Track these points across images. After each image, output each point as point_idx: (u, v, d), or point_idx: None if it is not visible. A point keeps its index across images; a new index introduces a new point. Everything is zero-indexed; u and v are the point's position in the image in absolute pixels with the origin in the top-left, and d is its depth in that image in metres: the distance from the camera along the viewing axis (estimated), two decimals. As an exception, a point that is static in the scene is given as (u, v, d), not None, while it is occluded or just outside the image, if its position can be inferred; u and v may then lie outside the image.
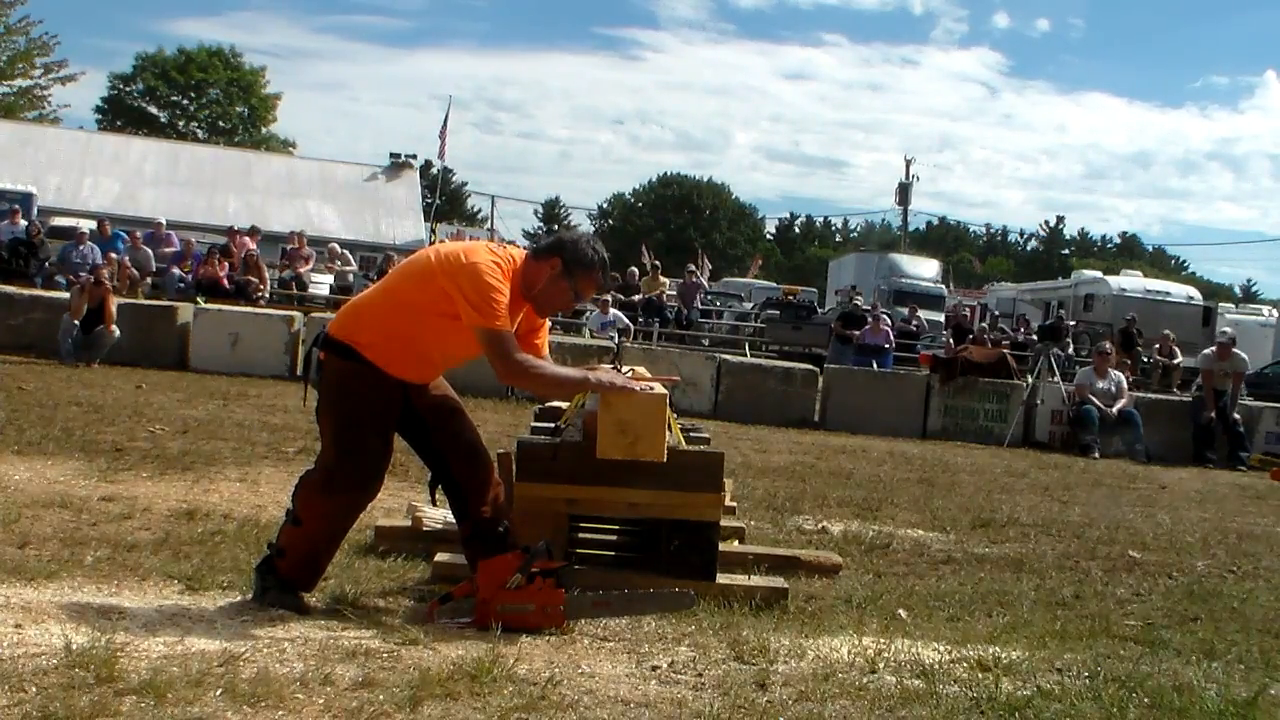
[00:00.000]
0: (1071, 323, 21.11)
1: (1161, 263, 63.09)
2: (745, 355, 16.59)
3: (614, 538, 4.46)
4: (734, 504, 5.46)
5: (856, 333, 17.12)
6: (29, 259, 15.93)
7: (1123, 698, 3.11)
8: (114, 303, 12.25)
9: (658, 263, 23.46)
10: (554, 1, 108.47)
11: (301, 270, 18.03)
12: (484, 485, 3.61)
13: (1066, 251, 67.36)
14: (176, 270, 16.71)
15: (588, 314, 15.99)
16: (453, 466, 3.60)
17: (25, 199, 22.39)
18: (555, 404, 4.90)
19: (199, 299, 14.92)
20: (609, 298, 17.56)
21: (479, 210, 57.05)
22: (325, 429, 3.53)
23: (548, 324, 3.83)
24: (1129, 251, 66.51)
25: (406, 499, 5.21)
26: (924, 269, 31.07)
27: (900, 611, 4.06)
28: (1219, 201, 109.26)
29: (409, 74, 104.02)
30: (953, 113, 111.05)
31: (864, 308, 18.87)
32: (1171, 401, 14.00)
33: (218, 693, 2.64)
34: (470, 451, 3.61)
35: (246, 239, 18.26)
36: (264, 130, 51.02)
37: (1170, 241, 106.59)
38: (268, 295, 16.50)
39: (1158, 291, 25.73)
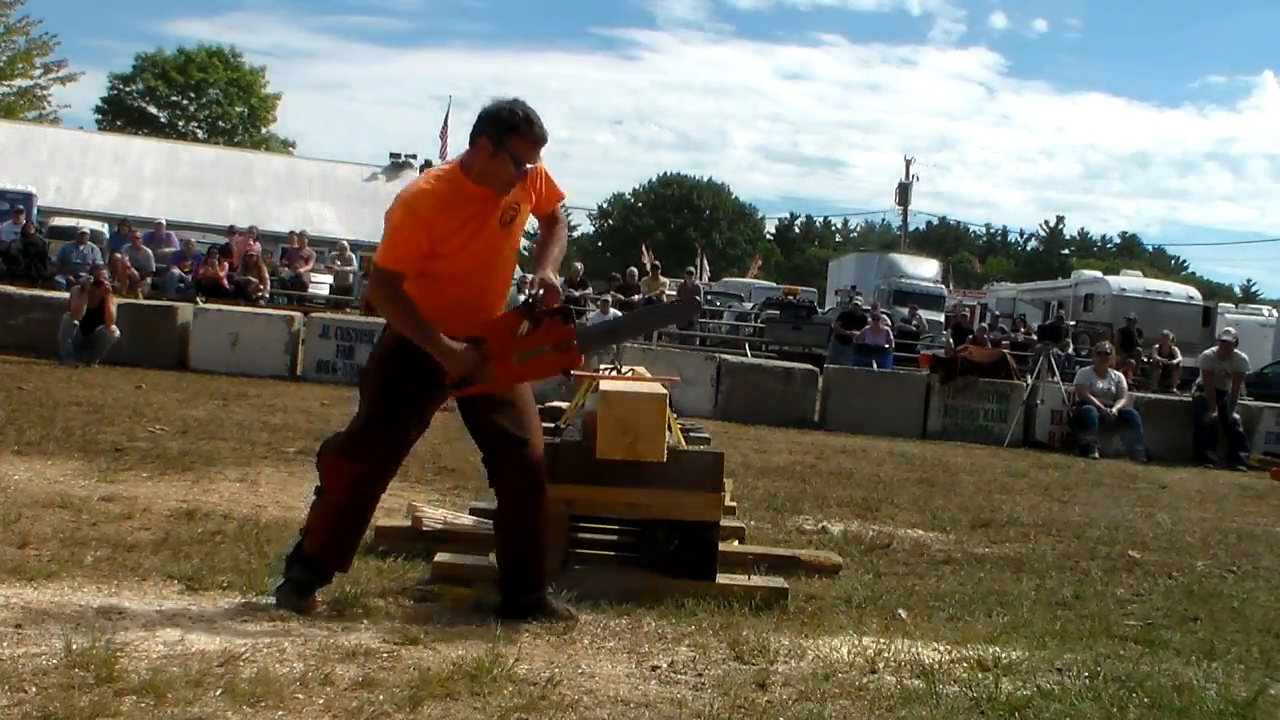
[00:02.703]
0: (1071, 323, 21.10)
1: (1161, 263, 63.08)
2: (745, 355, 16.59)
3: (614, 538, 4.46)
4: (734, 504, 5.46)
5: (856, 333, 17.11)
6: (33, 261, 15.91)
7: (1123, 698, 3.11)
8: (114, 303, 12.25)
9: (658, 263, 23.47)
10: (552, 2, 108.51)
11: (301, 270, 18.03)
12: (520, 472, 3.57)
13: (1066, 251, 67.36)
14: (176, 270, 16.71)
15: (588, 314, 15.99)
16: (494, 449, 3.58)
17: (25, 199, 22.36)
18: (555, 404, 4.90)
19: (199, 299, 14.92)
20: (609, 298, 17.56)
21: (479, 210, 56.89)
22: (362, 394, 3.54)
23: (546, 186, 3.66)
24: (1129, 251, 66.50)
25: (406, 499, 5.22)
26: (924, 269, 31.07)
27: (900, 611, 4.06)
28: (1217, 201, 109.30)
29: (408, 74, 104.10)
30: (951, 113, 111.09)
31: (864, 308, 18.86)
32: (1171, 401, 13.99)
33: (218, 693, 2.64)
34: (510, 437, 3.55)
35: (248, 240, 18.27)
36: (264, 130, 50.99)
37: (1170, 241, 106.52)
38: (268, 295, 16.50)
39: (1158, 291, 25.70)
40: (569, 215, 64.37)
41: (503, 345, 3.41)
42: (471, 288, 3.53)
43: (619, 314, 16.78)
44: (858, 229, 69.37)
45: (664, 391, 3.63)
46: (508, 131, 3.42)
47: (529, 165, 3.49)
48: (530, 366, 3.44)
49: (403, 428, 3.50)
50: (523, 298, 4.12)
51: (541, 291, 3.48)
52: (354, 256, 19.68)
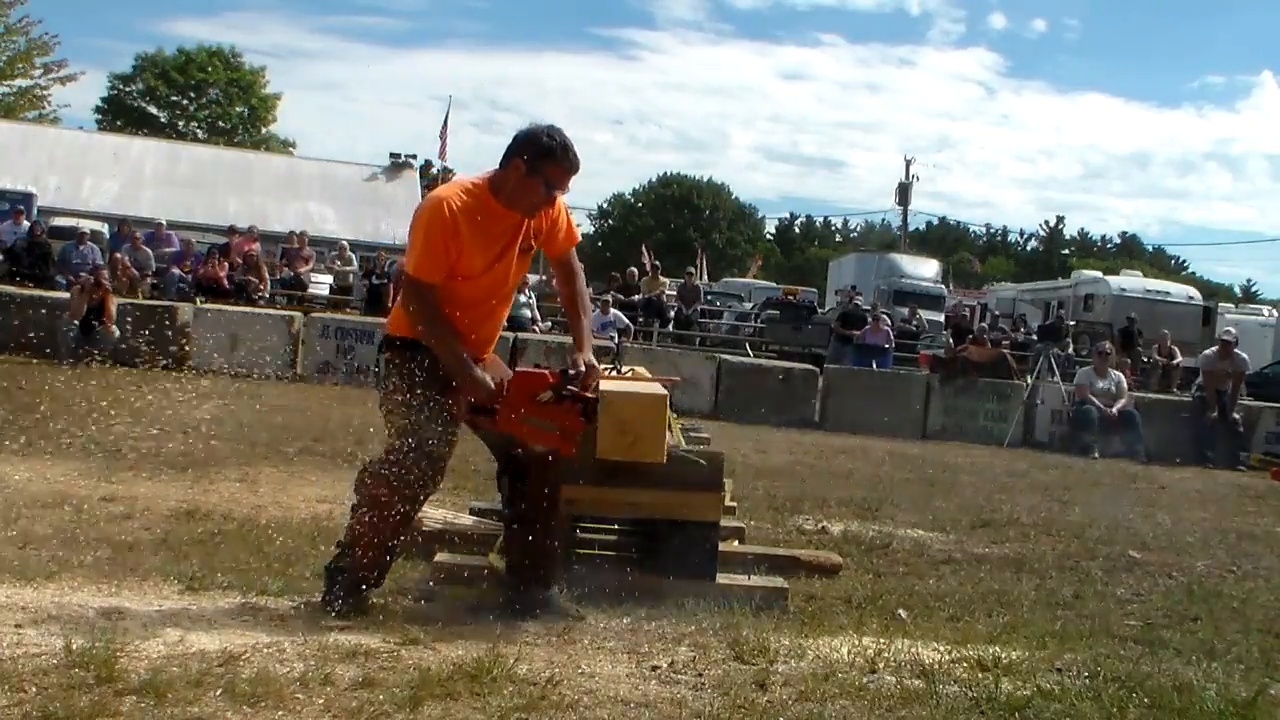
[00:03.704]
0: (1071, 323, 21.08)
1: (1161, 263, 63.00)
2: (747, 355, 16.59)
3: (614, 538, 4.46)
4: (734, 504, 5.46)
5: (856, 333, 17.12)
6: (37, 261, 15.92)
7: (1123, 698, 3.11)
8: (114, 303, 12.26)
9: (658, 263, 23.45)
10: (552, 2, 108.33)
11: (301, 270, 18.03)
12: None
13: (1066, 252, 67.28)
14: (176, 270, 16.71)
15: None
16: (513, 451, 3.61)
17: (25, 199, 22.37)
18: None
19: (199, 299, 14.91)
20: (609, 298, 17.56)
21: (479, 210, 56.78)
22: (388, 420, 3.55)
23: (565, 225, 3.72)
24: (1129, 251, 66.42)
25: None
26: (924, 269, 31.01)
27: (900, 611, 4.06)
28: (1217, 201, 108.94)
29: (408, 74, 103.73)
30: (951, 113, 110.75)
31: (864, 308, 18.86)
32: (1171, 401, 14.01)
33: (218, 693, 2.64)
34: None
35: (248, 240, 18.28)
36: (264, 130, 50.97)
37: (1170, 241, 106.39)
38: (268, 295, 16.50)
39: (1158, 291, 25.64)
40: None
41: (519, 398, 3.44)
42: (482, 313, 3.57)
43: (619, 314, 16.82)
44: (858, 229, 69.39)
45: (664, 391, 3.63)
46: (544, 156, 3.47)
47: (559, 192, 3.53)
48: (528, 430, 3.47)
49: (438, 447, 3.51)
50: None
51: (582, 370, 3.50)
52: (354, 256, 19.68)
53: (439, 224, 3.40)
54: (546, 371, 3.54)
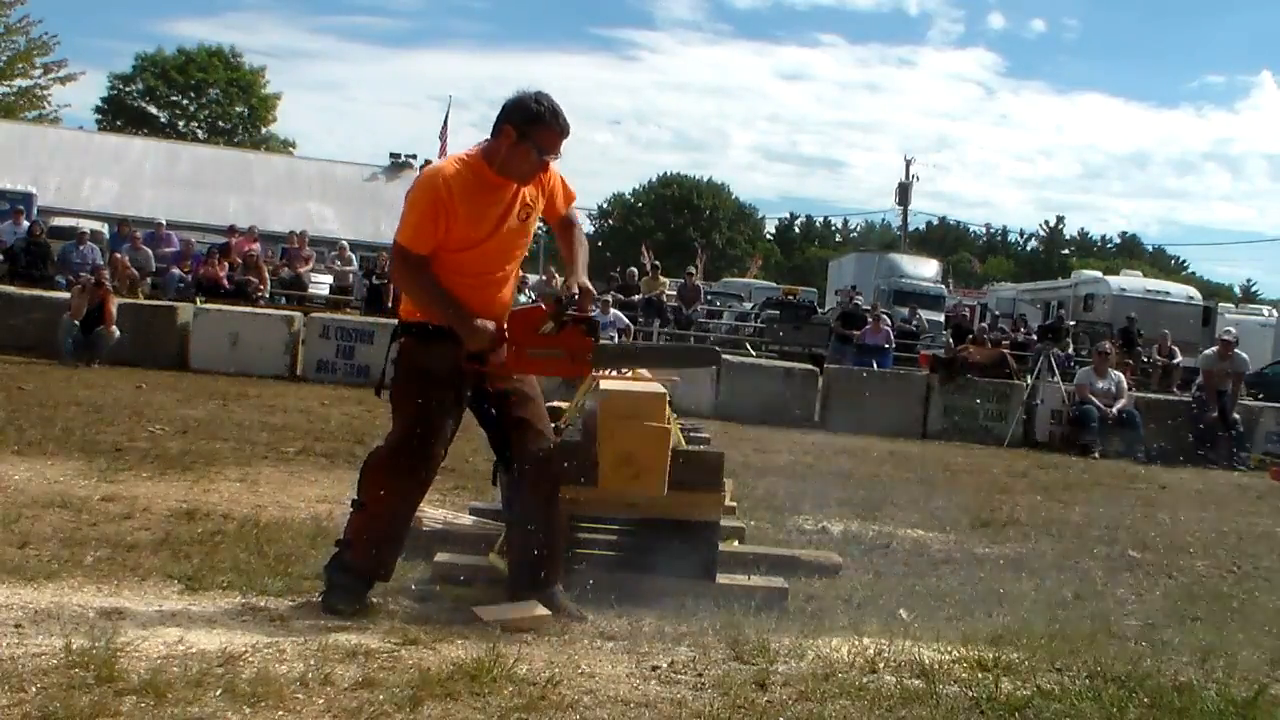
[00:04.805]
0: (1071, 323, 21.07)
1: (1161, 263, 63.02)
2: (749, 354, 16.57)
3: (614, 538, 4.46)
4: (734, 504, 5.45)
5: (856, 333, 17.12)
6: (35, 261, 15.90)
7: (1123, 698, 3.11)
8: (114, 303, 12.25)
9: (658, 263, 23.43)
10: (552, 2, 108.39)
11: (301, 270, 18.03)
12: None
13: (1066, 252, 67.30)
14: (176, 270, 16.70)
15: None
16: (512, 448, 3.62)
17: (25, 199, 22.38)
18: (555, 404, 4.89)
19: (199, 299, 14.90)
20: (609, 298, 17.54)
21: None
22: (397, 407, 3.55)
23: (560, 188, 3.74)
24: (1129, 251, 66.42)
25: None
26: (924, 269, 31.00)
27: (900, 611, 4.06)
28: (1216, 201, 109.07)
29: (408, 74, 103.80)
30: (950, 113, 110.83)
31: (864, 308, 18.86)
32: (1171, 401, 13.99)
33: (218, 693, 2.64)
34: (531, 434, 3.61)
35: (248, 240, 18.28)
36: (264, 130, 51.02)
37: (1170, 241, 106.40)
38: (268, 295, 16.49)
39: (1157, 291, 25.63)
40: (569, 215, 64.23)
41: (522, 336, 3.45)
42: (487, 284, 3.56)
43: (619, 314, 16.82)
44: (858, 229, 69.42)
45: (667, 427, 3.64)
46: (533, 121, 3.46)
47: (550, 157, 3.53)
48: (539, 364, 3.50)
49: (441, 438, 3.53)
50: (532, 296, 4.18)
51: (575, 295, 3.51)
52: (354, 256, 19.67)
53: (430, 195, 3.42)
54: (540, 304, 3.55)
